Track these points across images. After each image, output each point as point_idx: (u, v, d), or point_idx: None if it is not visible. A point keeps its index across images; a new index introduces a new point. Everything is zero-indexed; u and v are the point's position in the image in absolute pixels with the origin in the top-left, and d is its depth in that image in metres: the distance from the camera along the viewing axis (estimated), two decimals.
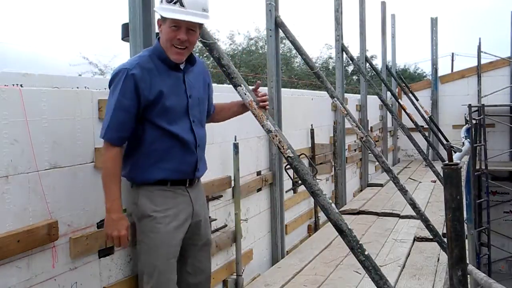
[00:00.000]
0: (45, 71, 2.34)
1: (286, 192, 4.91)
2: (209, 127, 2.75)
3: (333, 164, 6.57)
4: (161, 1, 2.27)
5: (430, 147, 8.28)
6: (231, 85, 2.58)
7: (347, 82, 18.55)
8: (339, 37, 6.72)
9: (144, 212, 2.34)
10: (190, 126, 2.39)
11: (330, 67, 20.22)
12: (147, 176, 2.34)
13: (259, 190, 4.37)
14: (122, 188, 2.65)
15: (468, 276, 2.33)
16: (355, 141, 7.63)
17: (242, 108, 2.69)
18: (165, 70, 2.33)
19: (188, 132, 2.38)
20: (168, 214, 2.34)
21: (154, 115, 2.29)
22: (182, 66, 2.40)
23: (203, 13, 2.28)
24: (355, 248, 2.21)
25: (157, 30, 2.46)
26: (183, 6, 2.22)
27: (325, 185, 6.25)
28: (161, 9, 2.25)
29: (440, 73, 11.93)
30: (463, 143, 5.93)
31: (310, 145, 5.70)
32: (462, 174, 3.41)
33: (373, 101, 9.11)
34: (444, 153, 7.57)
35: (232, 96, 2.65)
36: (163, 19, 2.29)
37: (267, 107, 2.48)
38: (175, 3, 2.21)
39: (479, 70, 11.13)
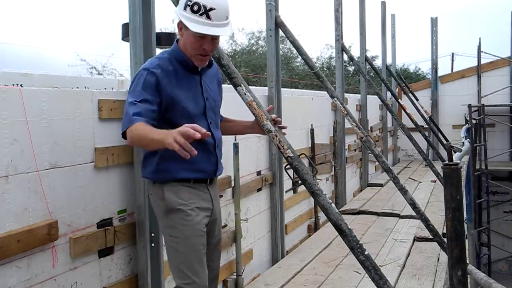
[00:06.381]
0: (45, 71, 2.34)
1: (286, 192, 4.91)
2: None
3: (333, 164, 6.57)
4: (185, 8, 2.22)
5: (430, 147, 8.28)
6: (231, 85, 2.59)
7: (348, 82, 18.53)
8: (339, 37, 6.72)
9: (171, 206, 2.32)
10: (208, 127, 2.40)
11: (332, 67, 20.21)
12: (171, 177, 2.34)
13: (259, 190, 4.37)
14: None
15: (468, 276, 2.33)
16: (355, 141, 7.63)
17: (245, 129, 2.72)
18: (183, 73, 2.36)
19: None
20: (194, 207, 2.35)
21: (174, 116, 2.29)
22: (199, 69, 2.42)
23: (226, 21, 2.28)
24: (355, 248, 2.21)
25: (158, 30, 2.46)
26: (209, 18, 2.20)
27: (325, 185, 6.25)
28: (185, 18, 2.21)
29: (440, 73, 11.94)
30: (463, 143, 5.92)
31: (310, 145, 5.70)
32: (462, 174, 3.42)
33: (373, 101, 9.11)
34: (444, 153, 7.57)
35: (232, 95, 2.65)
36: (186, 26, 2.25)
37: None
38: (201, 14, 2.19)
39: (479, 70, 11.13)
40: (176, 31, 2.43)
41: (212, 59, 2.48)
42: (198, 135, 1.97)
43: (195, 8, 2.19)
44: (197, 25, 2.20)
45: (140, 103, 2.18)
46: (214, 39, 2.29)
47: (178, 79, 2.32)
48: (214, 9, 2.21)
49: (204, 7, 2.19)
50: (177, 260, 2.32)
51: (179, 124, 2.24)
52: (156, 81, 2.23)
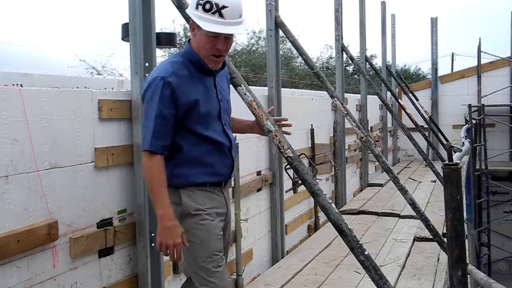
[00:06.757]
0: (45, 71, 2.34)
1: (286, 192, 4.91)
2: None
3: (333, 164, 6.57)
4: (196, 7, 2.15)
5: (430, 147, 8.29)
6: (231, 85, 2.59)
7: (347, 82, 18.53)
8: (339, 37, 6.72)
9: (187, 211, 2.27)
10: (222, 129, 2.36)
11: (332, 67, 20.21)
12: (188, 181, 2.28)
13: (259, 190, 4.37)
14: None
15: (468, 276, 2.33)
16: (355, 141, 7.63)
17: (246, 128, 2.68)
18: (198, 76, 2.28)
19: (222, 135, 2.35)
20: (210, 211, 2.30)
21: (191, 122, 2.25)
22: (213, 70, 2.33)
23: (240, 19, 2.20)
24: (355, 248, 2.22)
25: (158, 30, 2.44)
26: (222, 16, 2.12)
27: (325, 185, 6.25)
28: (198, 18, 2.14)
29: (440, 73, 11.94)
30: (463, 143, 5.93)
31: (310, 145, 5.70)
32: (462, 174, 3.42)
33: (373, 101, 9.12)
34: (444, 153, 7.57)
35: (232, 95, 2.64)
36: (198, 26, 2.18)
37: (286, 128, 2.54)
38: (213, 13, 2.11)
39: (479, 70, 11.13)
40: (177, 31, 2.42)
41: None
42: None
43: (207, 6, 2.12)
44: (209, 24, 2.12)
45: (158, 119, 2.15)
46: (228, 38, 2.21)
47: (193, 83, 2.25)
48: (227, 7, 2.13)
49: (217, 5, 2.12)
50: (194, 265, 2.27)
51: (196, 130, 2.24)
52: (172, 92, 2.16)
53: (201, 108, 2.25)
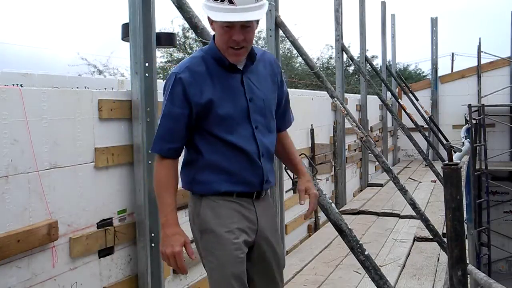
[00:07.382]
0: (45, 71, 2.34)
1: (286, 192, 4.91)
2: None
3: (333, 164, 6.57)
4: None
5: (430, 147, 8.29)
6: None
7: (348, 82, 18.54)
8: (339, 37, 6.72)
9: (206, 226, 2.03)
10: (252, 133, 2.05)
11: (331, 67, 20.21)
12: (210, 189, 2.04)
13: None
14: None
15: (468, 276, 2.33)
16: (355, 141, 7.63)
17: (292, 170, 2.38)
18: (219, 72, 2.03)
19: (249, 141, 2.05)
20: (233, 228, 2.02)
21: (209, 124, 2.01)
22: (240, 66, 2.05)
23: (256, 4, 1.93)
24: (355, 248, 2.22)
25: (157, 30, 2.43)
26: (233, 3, 1.89)
27: (325, 185, 6.25)
28: (208, 9, 1.94)
29: (440, 73, 11.95)
30: (463, 143, 5.93)
31: (310, 145, 5.71)
32: (462, 174, 3.42)
33: (373, 101, 9.12)
34: (444, 153, 7.57)
35: None
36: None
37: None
38: (222, 0, 1.89)
39: (479, 70, 11.13)
40: (176, 31, 2.37)
41: (259, 51, 2.14)
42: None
43: None
44: (218, 13, 1.91)
45: (166, 119, 2.00)
46: (246, 27, 1.94)
47: (210, 80, 2.01)
48: None
49: None
50: (212, 286, 2.06)
51: (217, 134, 2.02)
52: (183, 90, 1.97)
53: (218, 109, 2.00)
